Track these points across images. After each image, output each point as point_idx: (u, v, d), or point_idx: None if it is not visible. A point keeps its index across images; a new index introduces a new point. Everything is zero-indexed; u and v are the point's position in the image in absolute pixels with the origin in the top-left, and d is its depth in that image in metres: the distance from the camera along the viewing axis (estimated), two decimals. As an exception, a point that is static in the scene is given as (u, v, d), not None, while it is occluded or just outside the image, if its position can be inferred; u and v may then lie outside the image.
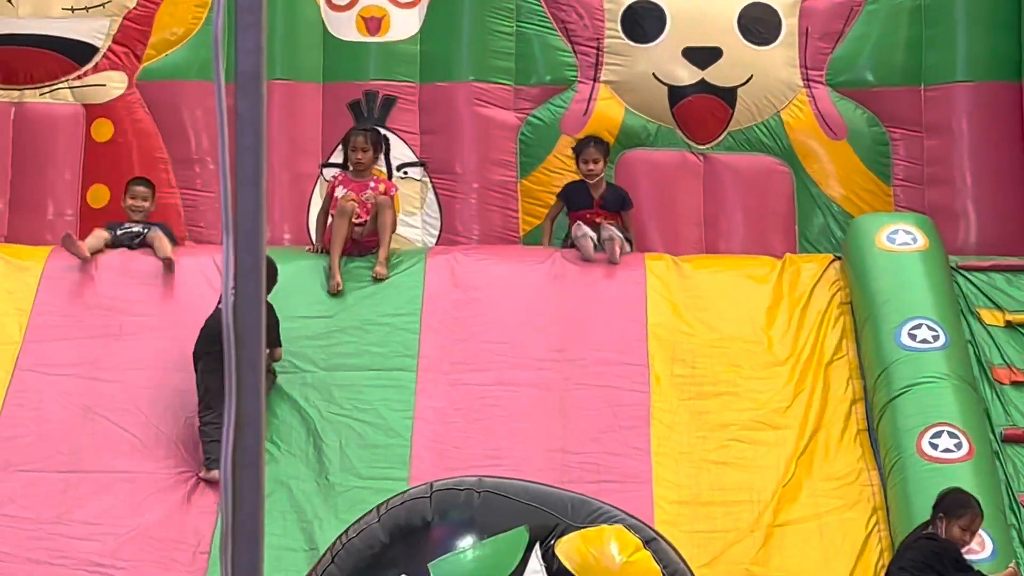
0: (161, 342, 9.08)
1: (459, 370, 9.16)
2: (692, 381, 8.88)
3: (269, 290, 9.21)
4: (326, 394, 8.58)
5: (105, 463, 8.65)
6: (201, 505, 8.35)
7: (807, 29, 10.53)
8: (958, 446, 7.92)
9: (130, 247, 9.27)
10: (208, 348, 8.25)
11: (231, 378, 2.50)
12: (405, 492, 6.05)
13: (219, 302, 8.43)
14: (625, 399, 8.83)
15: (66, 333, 9.13)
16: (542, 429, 8.69)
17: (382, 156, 10.19)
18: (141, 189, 9.52)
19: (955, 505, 7.25)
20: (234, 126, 2.71)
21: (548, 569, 5.53)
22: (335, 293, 9.28)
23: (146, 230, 9.33)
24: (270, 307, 8.96)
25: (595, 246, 9.57)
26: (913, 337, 8.45)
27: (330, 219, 9.23)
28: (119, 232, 9.24)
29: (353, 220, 9.51)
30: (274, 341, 8.46)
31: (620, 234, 9.69)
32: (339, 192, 9.38)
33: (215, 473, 7.96)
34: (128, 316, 9.28)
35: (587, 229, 9.70)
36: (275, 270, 8.03)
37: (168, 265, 9.00)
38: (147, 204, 9.41)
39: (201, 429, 8.21)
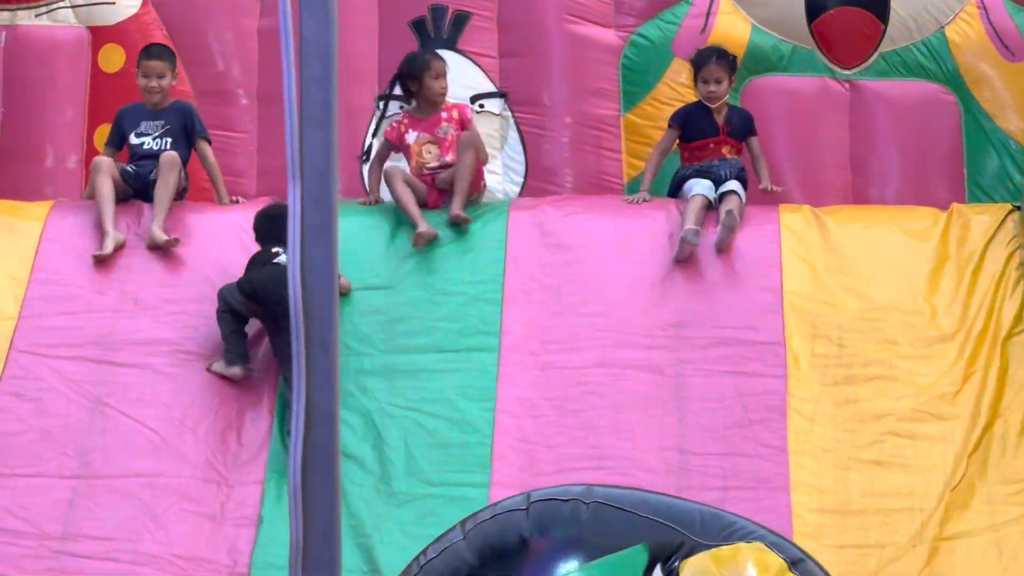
0: (185, 317, 9.09)
1: (551, 350, 9.03)
2: (838, 362, 8.78)
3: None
4: (387, 382, 8.53)
5: (120, 466, 8.65)
6: (238, 516, 8.36)
7: (977, -80, 10.81)
8: None
9: (148, 181, 9.12)
10: (255, 308, 8.59)
11: (299, 363, 2.58)
12: (497, 504, 6.02)
13: (260, 256, 8.76)
14: (756, 386, 8.72)
15: (71, 307, 9.14)
16: (654, 423, 8.58)
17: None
18: (156, 64, 9.41)
19: None
20: (298, 53, 2.73)
21: None
22: (424, 243, 9.16)
23: (162, 144, 9.26)
24: None
25: (710, 203, 9.36)
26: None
27: (400, 174, 9.21)
28: (130, 166, 9.18)
29: (429, 167, 9.53)
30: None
31: (737, 212, 9.31)
32: (411, 138, 9.39)
33: (233, 368, 8.49)
34: (146, 286, 9.25)
35: (704, 187, 9.42)
36: None
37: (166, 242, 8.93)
38: (165, 81, 9.34)
39: None
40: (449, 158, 9.52)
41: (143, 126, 9.28)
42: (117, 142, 9.45)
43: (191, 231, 9.45)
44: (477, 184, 9.69)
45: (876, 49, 10.26)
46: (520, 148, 10.10)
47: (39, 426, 8.72)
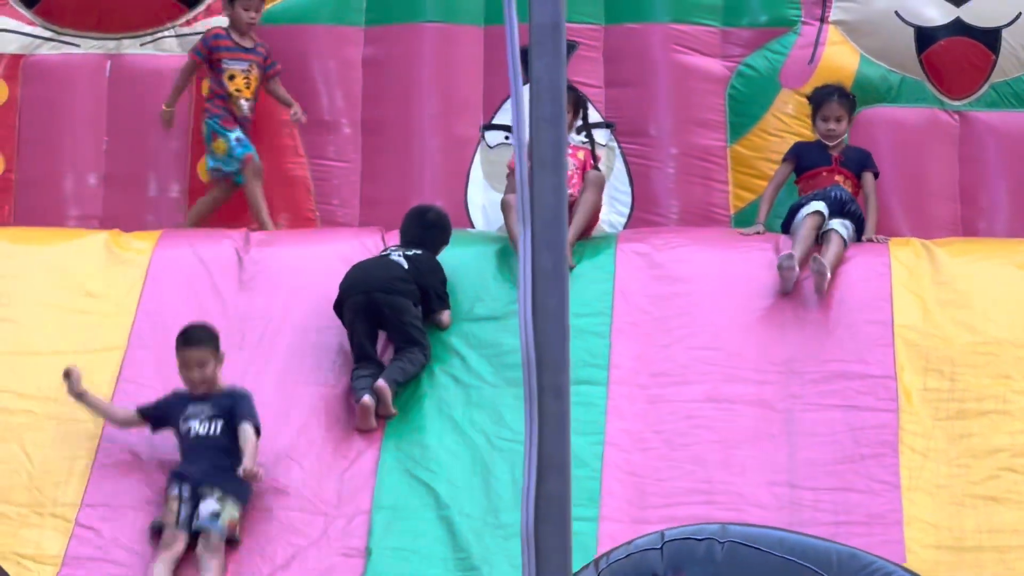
0: (293, 357, 9.05)
1: (660, 383, 8.94)
2: (950, 396, 8.69)
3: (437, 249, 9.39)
4: (495, 415, 8.53)
5: None
6: (344, 546, 8.29)
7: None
8: None
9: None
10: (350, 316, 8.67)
11: (531, 411, 2.58)
12: (631, 543, 5.76)
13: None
14: (867, 420, 8.64)
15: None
16: (764, 458, 8.51)
17: (579, 119, 9.88)
18: (194, 354, 8.55)
19: None
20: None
21: None
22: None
23: (218, 418, 8.47)
24: (436, 261, 9.18)
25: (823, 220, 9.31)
26: None
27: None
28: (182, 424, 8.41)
29: None
30: (441, 300, 8.75)
31: (834, 255, 9.13)
32: None
33: (367, 398, 8.36)
34: (254, 320, 9.28)
35: (816, 206, 9.30)
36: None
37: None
38: (208, 369, 8.55)
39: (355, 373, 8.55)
40: (574, 195, 9.42)
41: (190, 408, 8.46)
42: (152, 413, 8.59)
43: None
44: (593, 224, 9.67)
45: (987, 80, 10.11)
46: (626, 179, 10.01)
47: (149, 458, 8.78)
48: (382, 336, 8.93)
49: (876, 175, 9.70)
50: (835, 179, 9.59)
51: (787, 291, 9.10)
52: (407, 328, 8.52)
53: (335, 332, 9.11)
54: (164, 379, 8.99)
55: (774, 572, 5.53)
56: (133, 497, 8.51)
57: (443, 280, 8.55)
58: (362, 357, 8.76)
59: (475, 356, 8.83)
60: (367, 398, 8.51)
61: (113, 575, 8.20)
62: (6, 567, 7.92)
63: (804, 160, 9.67)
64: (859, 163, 9.61)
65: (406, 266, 9.01)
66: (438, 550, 8.41)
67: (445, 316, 8.83)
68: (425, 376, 8.98)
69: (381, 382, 8.47)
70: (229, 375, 8.85)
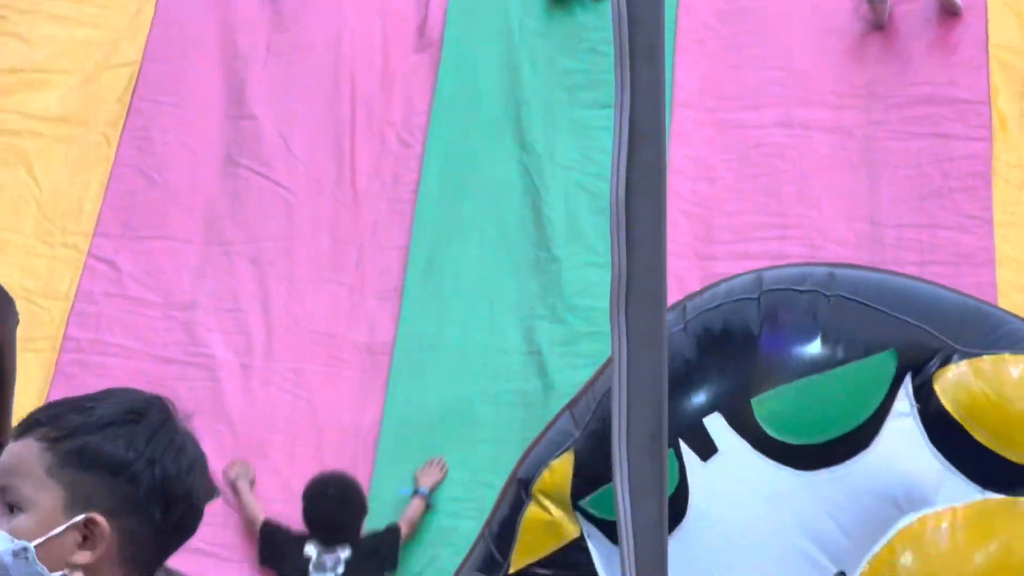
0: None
1: (727, 107, 8.78)
2: None
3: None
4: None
5: (252, 231, 8.59)
6: (379, 288, 8.31)
7: None
8: None
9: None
10: None
11: (622, 76, 2.33)
12: (718, 287, 5.59)
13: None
14: (957, 149, 8.38)
15: (199, 58, 9.04)
16: (842, 190, 8.30)
17: None
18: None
19: None
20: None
21: (922, 412, 5.15)
22: None
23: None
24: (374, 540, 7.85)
25: None
26: None
27: None
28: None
29: None
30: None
31: None
32: None
33: None
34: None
35: None
36: None
37: None
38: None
39: None
40: None
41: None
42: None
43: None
44: None
45: None
46: None
47: (164, 183, 8.57)
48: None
49: None
50: None
51: (880, 24, 8.87)
52: None
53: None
54: (180, 96, 8.87)
55: (888, 333, 5.20)
56: (151, 227, 8.36)
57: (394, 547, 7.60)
58: None
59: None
60: None
61: (129, 312, 8.12)
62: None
63: None
64: None
65: None
66: (483, 290, 8.42)
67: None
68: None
69: None
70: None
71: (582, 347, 7.97)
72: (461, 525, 7.33)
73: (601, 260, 8.35)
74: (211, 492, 2.79)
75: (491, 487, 6.47)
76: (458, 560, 6.32)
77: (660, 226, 2.34)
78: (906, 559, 5.26)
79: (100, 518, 2.61)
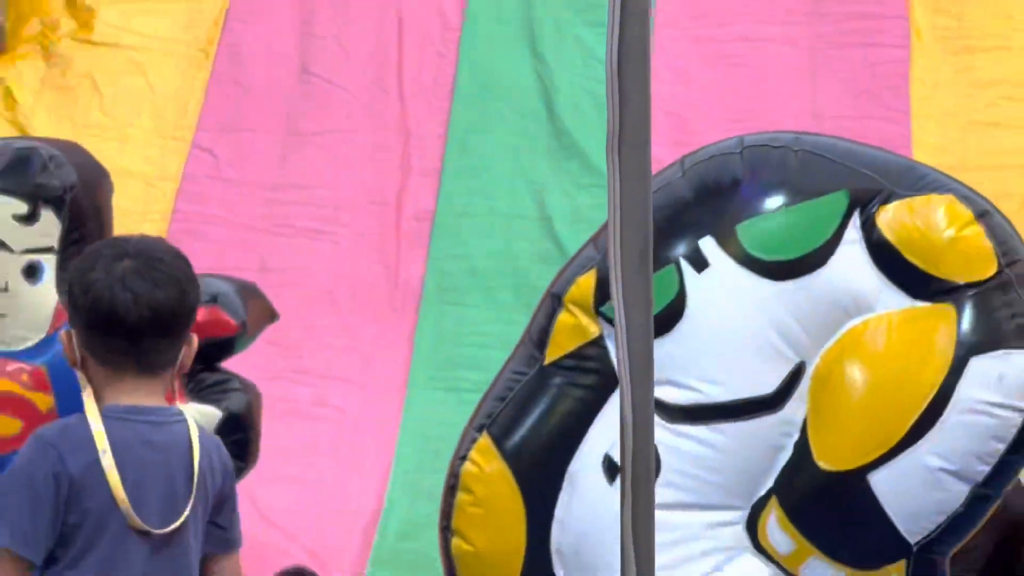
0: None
1: (700, 25, 8.87)
2: (958, 34, 8.56)
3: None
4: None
5: (322, 124, 8.72)
6: (421, 168, 8.54)
7: None
8: None
9: None
10: None
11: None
12: (713, 146, 5.47)
13: None
14: (883, 55, 8.56)
15: None
16: (791, 91, 8.50)
17: None
18: None
19: None
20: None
21: (867, 239, 5.12)
22: None
23: None
24: None
25: None
26: None
27: None
28: None
29: None
30: None
31: None
32: None
33: None
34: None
35: None
36: None
37: None
38: None
39: None
40: None
41: None
42: None
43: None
44: None
45: None
46: None
47: (251, 88, 8.71)
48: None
49: None
50: None
51: None
52: None
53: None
54: (263, 18, 8.90)
55: (840, 178, 5.27)
56: (241, 122, 8.51)
57: None
58: None
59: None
60: None
61: (225, 190, 8.30)
62: (133, 185, 8.03)
63: None
64: None
65: None
66: (504, 172, 8.59)
67: None
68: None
69: None
70: None
71: (587, 215, 8.01)
72: (489, 354, 7.19)
73: (600, 146, 8.59)
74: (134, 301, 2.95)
75: (514, 323, 6.55)
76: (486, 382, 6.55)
77: (645, 87, 2.50)
78: (851, 353, 5.40)
79: (63, 330, 3.16)
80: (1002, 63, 8.48)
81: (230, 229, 8.29)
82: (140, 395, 3.22)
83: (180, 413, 3.47)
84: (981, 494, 4.91)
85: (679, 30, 8.90)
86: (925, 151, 7.93)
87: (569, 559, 5.20)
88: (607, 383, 4.95)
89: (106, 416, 3.17)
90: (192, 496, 3.34)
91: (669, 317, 5.00)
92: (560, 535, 5.15)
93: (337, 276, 8.51)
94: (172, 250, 3.64)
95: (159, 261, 3.44)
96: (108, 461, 3.13)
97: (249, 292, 5.92)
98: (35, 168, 5.48)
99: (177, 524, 3.33)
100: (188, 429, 3.41)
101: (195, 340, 3.49)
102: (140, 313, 3.16)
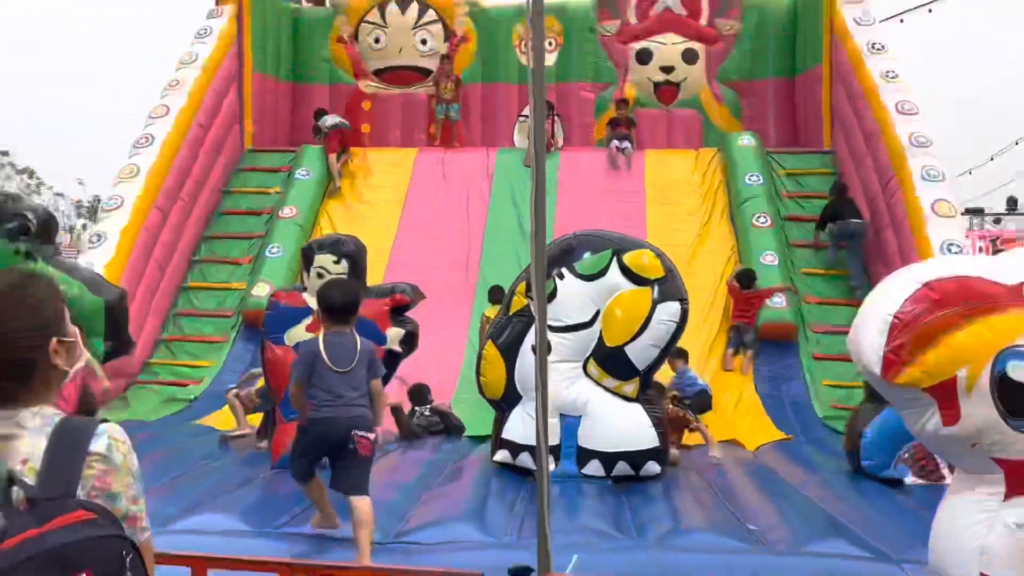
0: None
1: (573, 185, 15.78)
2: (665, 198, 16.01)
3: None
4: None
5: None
6: None
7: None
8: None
9: None
10: None
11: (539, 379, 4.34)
12: (568, 235, 9.49)
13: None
14: (631, 208, 15.24)
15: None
16: (600, 222, 14.10)
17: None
18: None
19: None
20: None
21: (619, 265, 8.97)
22: None
23: None
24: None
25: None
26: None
27: None
28: None
29: None
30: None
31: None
32: None
33: None
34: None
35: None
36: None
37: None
38: None
39: None
40: None
41: None
42: None
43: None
44: None
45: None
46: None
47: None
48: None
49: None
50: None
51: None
52: None
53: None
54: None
55: (609, 245, 9.26)
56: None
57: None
58: None
59: None
60: None
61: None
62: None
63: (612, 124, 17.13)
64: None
65: None
66: None
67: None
68: None
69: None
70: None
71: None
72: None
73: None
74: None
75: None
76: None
77: (543, 215, 4.35)
78: (614, 304, 9.02)
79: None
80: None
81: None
82: (336, 329, 6.71)
83: (353, 333, 6.74)
84: (659, 355, 8.96)
85: (565, 187, 14.51)
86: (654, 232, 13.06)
87: (520, 384, 8.94)
88: (531, 320, 7.70)
89: (325, 335, 6.62)
90: (356, 358, 6.56)
91: (551, 295, 8.48)
92: (517, 375, 8.92)
93: (443, 284, 13.49)
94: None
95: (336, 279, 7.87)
96: (322, 349, 6.57)
97: (414, 287, 9.96)
98: (351, 245, 9.83)
99: (350, 367, 6.53)
100: (356, 338, 6.64)
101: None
102: (341, 300, 6.66)
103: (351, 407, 6.54)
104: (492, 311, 11.70)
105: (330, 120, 16.07)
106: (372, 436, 6.45)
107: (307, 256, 9.69)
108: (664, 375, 10.32)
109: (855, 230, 13.60)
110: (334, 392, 6.50)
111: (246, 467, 8.87)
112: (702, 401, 10.72)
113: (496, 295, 11.94)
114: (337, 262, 9.52)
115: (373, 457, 6.56)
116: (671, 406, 9.74)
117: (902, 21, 22.09)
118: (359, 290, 7.32)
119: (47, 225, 6.97)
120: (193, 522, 6.76)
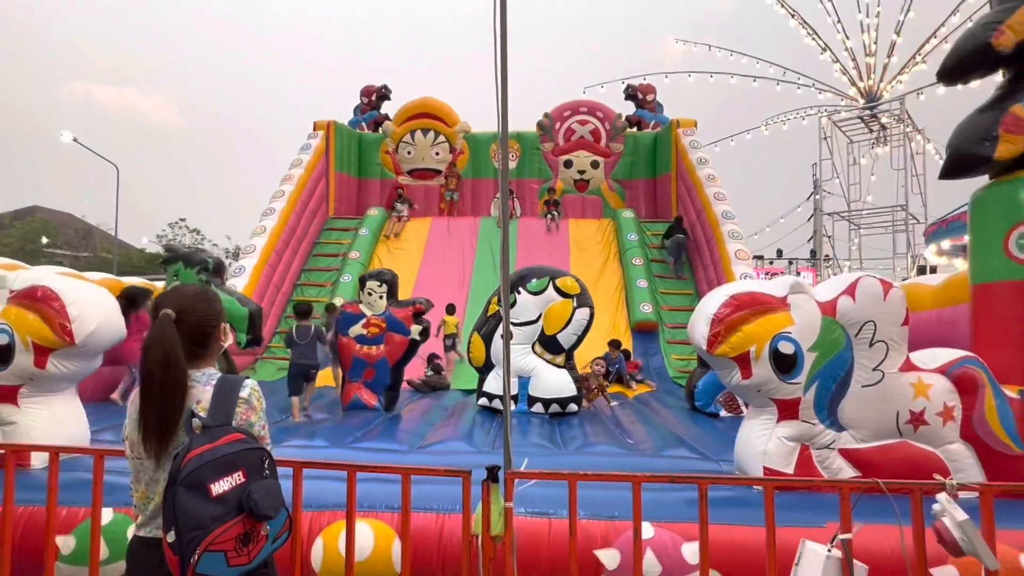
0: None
1: (530, 242, 17.03)
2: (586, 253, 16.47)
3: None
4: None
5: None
6: None
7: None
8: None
9: None
10: None
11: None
12: (523, 268, 10.09)
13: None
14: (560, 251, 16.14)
15: None
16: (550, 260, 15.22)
17: None
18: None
19: None
20: None
21: (554, 286, 9.91)
22: None
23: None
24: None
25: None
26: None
27: None
28: None
29: None
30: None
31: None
32: None
33: None
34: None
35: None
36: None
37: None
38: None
39: None
40: None
41: None
42: None
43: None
44: None
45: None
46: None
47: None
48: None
49: None
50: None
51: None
52: None
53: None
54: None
55: (546, 274, 10.11)
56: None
57: None
58: None
59: None
60: None
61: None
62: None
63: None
64: None
65: None
66: None
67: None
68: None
69: None
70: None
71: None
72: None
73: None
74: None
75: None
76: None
77: (507, 259, 4.44)
78: (550, 311, 9.99)
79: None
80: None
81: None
82: (304, 324, 9.30)
83: (312, 324, 9.22)
84: (576, 340, 9.78)
85: (523, 241, 16.62)
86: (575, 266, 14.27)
87: (494, 357, 9.85)
88: (500, 319, 9.25)
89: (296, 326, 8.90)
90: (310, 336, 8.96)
91: (513, 304, 9.68)
92: (492, 352, 9.96)
93: (446, 299, 14.74)
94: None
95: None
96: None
97: (427, 300, 10.43)
98: (389, 275, 10.12)
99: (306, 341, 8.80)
100: (312, 327, 8.80)
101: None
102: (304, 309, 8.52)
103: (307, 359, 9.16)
104: (451, 319, 14.00)
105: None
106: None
107: (362, 282, 10.66)
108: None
109: (679, 240, 16.98)
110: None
111: (326, 409, 10.26)
112: (619, 374, 12.92)
113: (450, 310, 14.17)
114: (380, 285, 10.55)
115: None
116: (601, 378, 11.09)
117: (716, 146, 32.83)
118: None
119: (219, 265, 10.15)
120: (294, 442, 7.69)
